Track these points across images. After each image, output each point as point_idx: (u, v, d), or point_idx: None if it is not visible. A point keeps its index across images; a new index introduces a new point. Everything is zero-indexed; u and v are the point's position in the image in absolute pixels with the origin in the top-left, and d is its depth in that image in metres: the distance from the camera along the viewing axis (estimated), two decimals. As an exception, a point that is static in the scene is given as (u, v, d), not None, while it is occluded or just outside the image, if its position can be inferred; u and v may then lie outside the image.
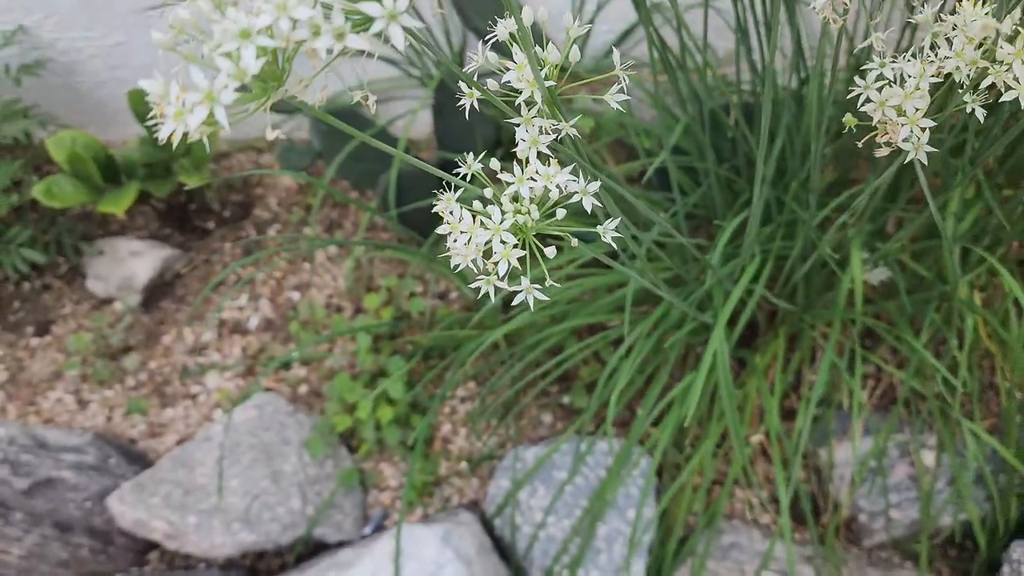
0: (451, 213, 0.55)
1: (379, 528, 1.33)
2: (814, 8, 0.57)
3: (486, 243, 0.54)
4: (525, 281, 0.55)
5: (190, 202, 1.65)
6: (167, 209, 1.64)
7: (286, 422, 1.36)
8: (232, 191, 1.71)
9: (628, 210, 1.15)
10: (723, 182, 1.16)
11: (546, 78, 0.54)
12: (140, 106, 1.45)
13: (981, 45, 0.57)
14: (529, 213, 0.55)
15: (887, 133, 0.60)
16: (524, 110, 0.54)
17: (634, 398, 1.34)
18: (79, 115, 1.68)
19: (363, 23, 0.37)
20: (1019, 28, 0.51)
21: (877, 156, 0.62)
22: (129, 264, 1.56)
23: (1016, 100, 0.55)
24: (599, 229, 0.57)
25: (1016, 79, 0.52)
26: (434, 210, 0.56)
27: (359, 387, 1.36)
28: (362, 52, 0.38)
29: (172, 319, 1.58)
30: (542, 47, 0.59)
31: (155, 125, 0.38)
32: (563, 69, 0.59)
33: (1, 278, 1.64)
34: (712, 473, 1.27)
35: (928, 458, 1.30)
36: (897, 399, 1.32)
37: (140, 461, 1.38)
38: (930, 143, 0.58)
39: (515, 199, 0.56)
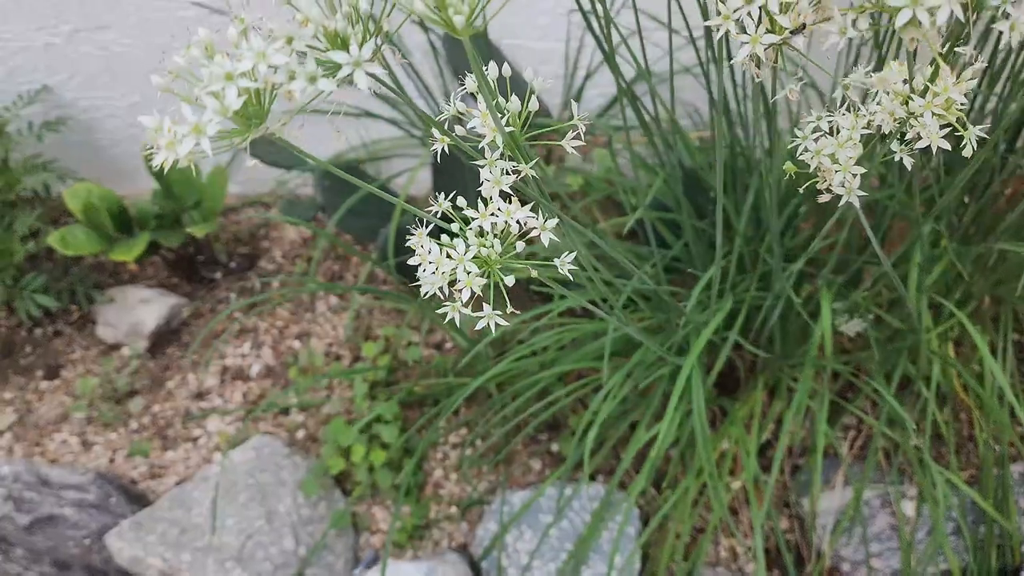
0: (422, 247, 0.61)
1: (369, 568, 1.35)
2: (738, 64, 0.63)
3: (451, 272, 0.59)
4: (487, 308, 0.60)
5: (198, 254, 1.72)
6: (176, 260, 1.71)
7: (282, 464, 1.40)
8: (239, 244, 1.78)
9: (614, 263, 1.20)
10: (702, 236, 1.22)
11: (509, 124, 0.60)
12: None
13: (907, 101, 0.63)
14: (492, 247, 0.61)
15: (825, 180, 0.66)
16: (488, 153, 0.60)
17: (620, 444, 1.38)
18: (96, 170, 1.76)
19: (333, 69, 0.43)
20: (928, 84, 0.57)
21: (819, 202, 0.68)
22: (138, 311, 1.62)
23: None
24: (556, 262, 0.62)
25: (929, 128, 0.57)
26: (407, 243, 0.61)
27: (354, 431, 1.40)
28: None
29: (177, 365, 1.63)
30: (522, 102, 0.64)
31: (152, 156, 0.44)
32: (535, 125, 0.64)
33: (15, 324, 1.70)
34: (694, 520, 1.30)
35: (908, 508, 1.32)
36: (876, 449, 1.35)
37: (140, 501, 1.42)
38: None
39: (481, 234, 0.61)
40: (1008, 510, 1.26)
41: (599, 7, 0.87)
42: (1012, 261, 1.29)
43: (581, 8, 0.92)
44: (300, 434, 1.51)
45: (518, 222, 0.61)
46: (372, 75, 0.44)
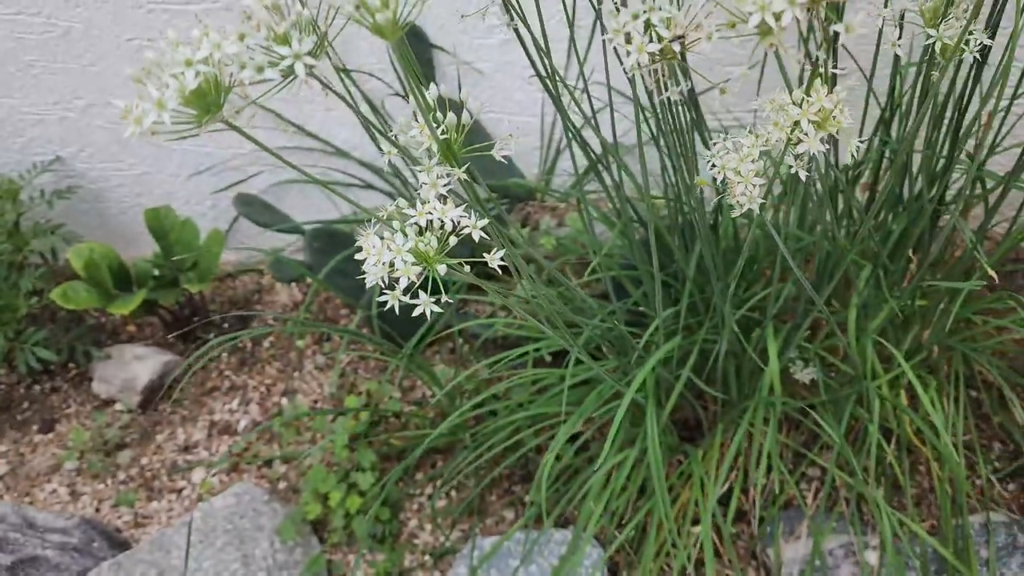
0: (370, 244, 0.68)
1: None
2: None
3: (390, 262, 0.66)
4: (423, 295, 0.68)
5: (194, 315, 1.80)
6: (173, 320, 1.79)
7: (262, 510, 1.44)
8: (233, 306, 1.86)
9: (581, 311, 1.28)
10: (662, 286, 1.30)
11: (444, 134, 0.69)
12: (155, 222, 1.63)
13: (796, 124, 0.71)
14: (429, 242, 0.68)
15: (732, 192, 0.74)
16: (426, 160, 0.69)
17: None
18: (102, 236, 1.86)
19: (278, 61, 0.52)
20: (806, 96, 0.65)
21: (733, 216, 0.75)
22: (132, 367, 1.69)
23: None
24: (488, 257, 0.70)
25: (806, 133, 0.65)
26: (357, 243, 0.69)
27: (333, 479, 1.45)
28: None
29: (167, 420, 1.69)
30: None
31: (129, 133, 0.52)
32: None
33: (15, 381, 1.77)
34: (661, 564, 1.33)
35: (872, 558, 1.35)
36: (839, 499, 1.38)
37: (123, 547, 1.46)
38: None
39: (421, 232, 0.69)
40: (968, 559, 1.29)
41: (567, 93, 0.96)
42: (957, 315, 1.35)
43: (551, 94, 0.98)
44: (282, 485, 1.55)
45: (452, 221, 0.68)
46: (310, 68, 0.53)
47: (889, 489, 1.37)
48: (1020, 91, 1.11)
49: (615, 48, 0.58)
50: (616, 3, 0.66)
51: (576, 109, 1.05)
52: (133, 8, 1.52)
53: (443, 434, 1.46)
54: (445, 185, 0.69)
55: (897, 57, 1.12)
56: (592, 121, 1.03)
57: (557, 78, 0.94)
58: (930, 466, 1.40)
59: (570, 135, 1.06)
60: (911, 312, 1.32)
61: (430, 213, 0.68)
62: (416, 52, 1.51)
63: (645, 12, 0.57)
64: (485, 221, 0.69)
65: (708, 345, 1.21)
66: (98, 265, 1.56)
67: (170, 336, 1.80)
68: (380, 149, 0.72)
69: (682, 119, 0.92)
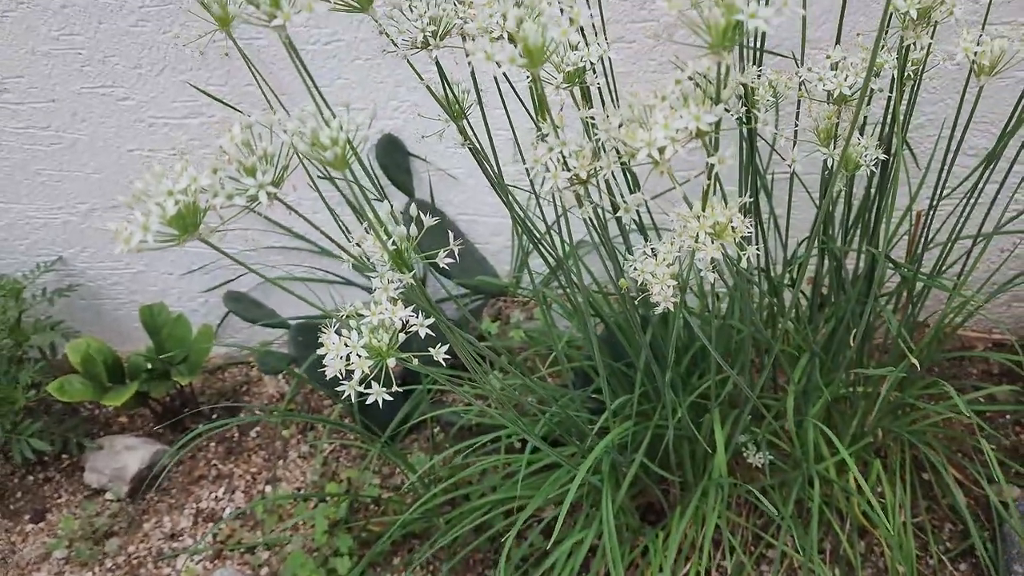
0: (330, 341, 0.78)
1: None
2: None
3: (347, 356, 0.76)
4: (376, 386, 0.77)
5: (184, 406, 1.88)
6: (164, 412, 1.87)
7: (241, 595, 1.49)
8: (222, 398, 1.95)
9: (543, 401, 1.36)
10: (616, 375, 1.39)
11: (395, 246, 0.79)
12: (149, 318, 1.73)
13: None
14: (380, 339, 0.78)
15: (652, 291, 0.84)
16: (378, 266, 0.79)
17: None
18: (98, 331, 1.96)
19: (244, 190, 0.63)
20: (701, 213, 0.76)
21: (654, 314, 0.85)
22: (123, 456, 1.77)
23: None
24: (432, 352, 0.79)
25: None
26: (319, 340, 0.79)
27: (312, 564, 1.51)
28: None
29: (154, 508, 1.75)
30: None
31: (120, 251, 0.62)
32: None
33: (9, 472, 1.84)
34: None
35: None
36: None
37: (106, 633, 1.51)
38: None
39: (374, 330, 0.79)
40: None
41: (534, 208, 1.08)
42: (900, 401, 1.44)
43: (506, 204, 1.10)
44: (264, 571, 1.61)
45: (402, 320, 0.78)
46: (273, 194, 0.63)
47: (844, 570, 1.43)
48: (944, 194, 1.23)
49: (533, 176, 0.69)
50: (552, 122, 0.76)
51: (539, 213, 1.17)
52: (136, 122, 1.66)
53: (417, 518, 1.53)
54: (396, 288, 0.78)
55: (825, 163, 1.25)
56: (553, 227, 1.14)
57: (512, 188, 1.06)
58: (884, 546, 1.46)
59: (534, 240, 1.17)
60: (854, 398, 1.41)
61: (382, 313, 0.78)
62: (396, 160, 1.64)
63: (557, 147, 0.67)
64: (431, 320, 0.79)
65: (661, 430, 1.29)
66: (94, 359, 1.65)
67: (160, 427, 1.87)
68: (344, 256, 0.82)
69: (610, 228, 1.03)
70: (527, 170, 0.70)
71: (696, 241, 0.77)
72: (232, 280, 1.87)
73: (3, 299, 1.77)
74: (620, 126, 0.67)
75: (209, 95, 1.32)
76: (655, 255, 0.85)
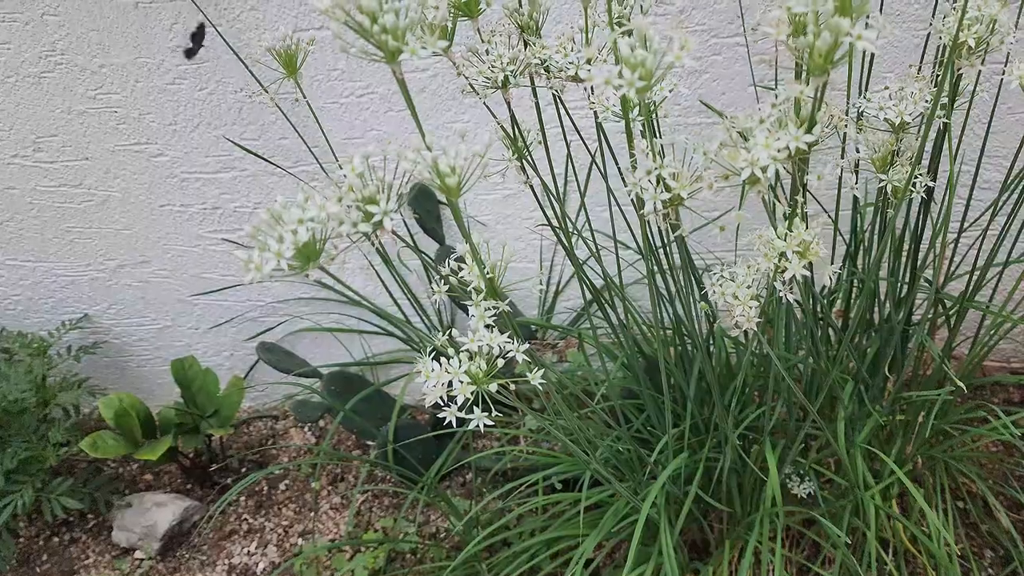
0: (428, 368, 0.80)
1: None
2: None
3: (448, 382, 0.78)
4: (477, 411, 0.78)
5: (212, 461, 1.87)
6: (192, 467, 1.85)
7: (286, 648, 1.47)
8: (250, 451, 1.94)
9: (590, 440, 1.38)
10: (663, 409, 1.40)
11: (489, 276, 0.82)
12: (180, 372, 1.73)
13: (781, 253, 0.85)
14: (479, 365, 0.80)
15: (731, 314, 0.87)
16: (474, 295, 0.81)
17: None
18: (123, 388, 1.95)
19: (369, 216, 0.65)
20: (787, 231, 0.79)
21: (727, 339, 0.88)
22: (152, 513, 1.75)
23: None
24: (529, 376, 0.81)
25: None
26: (414, 370, 0.80)
27: (354, 615, 1.49)
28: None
29: (186, 566, 1.73)
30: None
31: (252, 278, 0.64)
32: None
33: (34, 534, 1.81)
34: None
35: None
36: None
37: None
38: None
39: (471, 357, 0.81)
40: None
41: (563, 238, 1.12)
42: (936, 427, 1.47)
43: (560, 239, 1.14)
44: (302, 625, 1.59)
45: (499, 346, 0.80)
46: (396, 232, 0.66)
47: (890, 598, 1.43)
48: (967, 224, 1.28)
49: (634, 196, 0.72)
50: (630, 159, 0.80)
51: (583, 249, 1.20)
52: (168, 178, 1.68)
53: (460, 564, 1.52)
54: (492, 316, 0.81)
55: (856, 199, 1.29)
56: (596, 259, 1.18)
57: (566, 223, 1.09)
58: (927, 574, 1.47)
59: (580, 274, 1.20)
60: (893, 426, 1.43)
61: (479, 340, 0.80)
62: (427, 208, 1.67)
63: (657, 168, 0.71)
64: (527, 345, 0.81)
65: (711, 463, 1.31)
66: (128, 414, 1.65)
67: (188, 483, 1.86)
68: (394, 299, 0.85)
69: (674, 258, 1.07)
70: (628, 192, 0.73)
71: (782, 259, 0.80)
72: (264, 332, 1.87)
73: (29, 358, 1.77)
74: (721, 147, 0.70)
75: (247, 149, 1.35)
76: (733, 279, 0.88)
